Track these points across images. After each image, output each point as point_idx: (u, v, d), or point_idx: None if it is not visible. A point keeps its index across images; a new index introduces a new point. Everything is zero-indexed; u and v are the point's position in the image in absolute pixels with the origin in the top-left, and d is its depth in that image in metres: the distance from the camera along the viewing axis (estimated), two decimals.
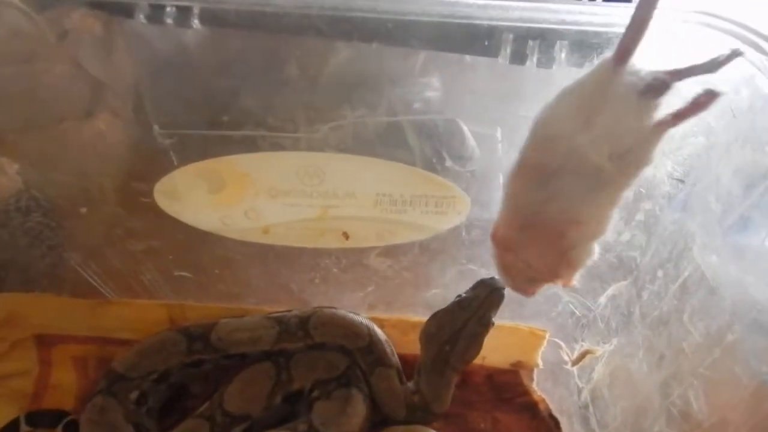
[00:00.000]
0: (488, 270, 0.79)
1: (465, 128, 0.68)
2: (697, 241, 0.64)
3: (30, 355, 0.87)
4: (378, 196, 0.74)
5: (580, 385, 0.85)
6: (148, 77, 0.67)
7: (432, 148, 0.70)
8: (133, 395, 0.79)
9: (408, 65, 0.64)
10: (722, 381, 0.59)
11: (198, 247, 0.80)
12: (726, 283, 0.60)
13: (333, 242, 0.79)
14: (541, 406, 0.88)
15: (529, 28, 0.58)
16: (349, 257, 0.82)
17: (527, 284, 0.59)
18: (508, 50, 0.59)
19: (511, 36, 0.59)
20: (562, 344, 0.87)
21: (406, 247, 0.80)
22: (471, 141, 0.69)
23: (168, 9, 0.59)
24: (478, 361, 0.80)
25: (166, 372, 0.81)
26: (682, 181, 0.66)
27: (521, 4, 0.58)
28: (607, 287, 0.78)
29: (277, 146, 0.70)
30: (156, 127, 0.68)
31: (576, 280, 0.57)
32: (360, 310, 0.87)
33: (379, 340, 0.84)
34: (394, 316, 0.89)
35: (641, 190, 0.68)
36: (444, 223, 0.76)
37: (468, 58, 0.62)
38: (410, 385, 0.82)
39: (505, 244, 0.57)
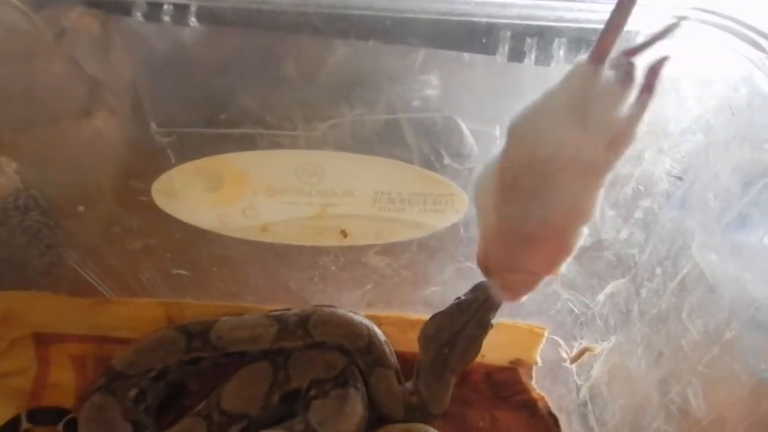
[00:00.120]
0: None
1: (463, 126, 0.68)
2: (695, 238, 0.64)
3: (28, 353, 0.87)
4: (376, 194, 0.74)
5: (579, 383, 0.85)
6: (146, 75, 0.67)
7: (430, 146, 0.70)
8: (132, 393, 0.79)
9: (406, 63, 0.64)
10: (721, 378, 0.59)
11: (196, 245, 0.80)
12: (724, 280, 0.60)
13: (331, 240, 0.79)
14: (540, 404, 0.89)
15: (527, 25, 0.58)
16: (347, 255, 0.82)
17: (531, 288, 0.58)
18: (506, 48, 0.59)
19: (509, 33, 0.59)
20: (561, 342, 0.87)
21: (404, 245, 0.80)
22: (469, 139, 0.69)
23: (165, 7, 0.59)
24: (476, 359, 0.80)
25: (164, 370, 0.81)
26: (680, 179, 0.66)
27: (519, 1, 0.58)
28: (605, 285, 0.78)
29: (275, 144, 0.70)
30: (153, 126, 0.68)
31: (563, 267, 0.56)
32: (358, 308, 0.87)
33: (379, 341, 0.84)
34: (393, 314, 0.89)
35: (639, 187, 0.68)
36: (442, 221, 0.76)
37: (466, 55, 0.61)
38: (408, 385, 0.82)
39: (498, 265, 0.56)
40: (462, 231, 0.77)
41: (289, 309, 0.86)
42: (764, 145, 0.55)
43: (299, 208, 0.75)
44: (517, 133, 0.49)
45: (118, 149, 0.73)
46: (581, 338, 0.84)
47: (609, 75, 0.45)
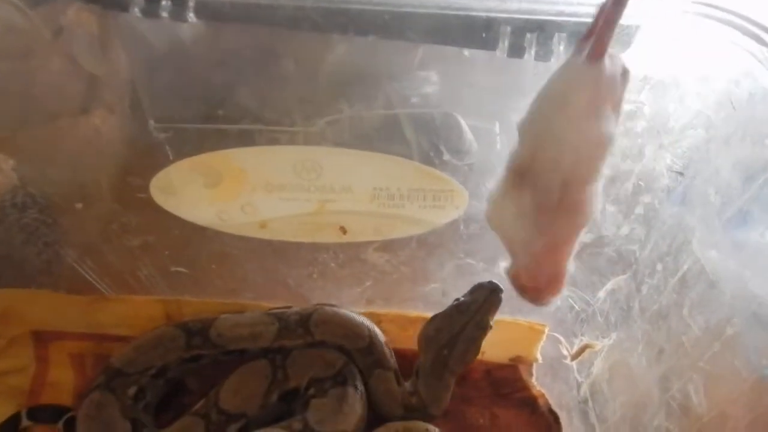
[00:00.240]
0: (486, 264, 0.79)
1: (462, 122, 0.68)
2: (696, 234, 0.63)
3: (26, 351, 0.87)
4: (375, 191, 0.74)
5: (580, 380, 0.85)
6: (144, 72, 0.67)
7: (429, 142, 0.70)
8: (131, 391, 0.79)
9: (405, 59, 0.64)
10: (722, 375, 0.59)
11: (194, 242, 0.80)
12: (725, 276, 0.59)
13: (330, 237, 0.79)
14: (541, 401, 0.88)
15: (527, 20, 0.58)
16: (346, 252, 0.82)
17: (561, 275, 0.55)
18: (506, 43, 0.59)
19: (508, 28, 0.58)
20: (562, 339, 0.87)
21: (403, 242, 0.79)
22: (469, 135, 0.68)
23: (163, 3, 0.59)
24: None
25: (164, 367, 0.81)
26: (681, 174, 0.65)
27: None
28: (606, 281, 0.78)
29: (273, 140, 0.70)
30: (151, 122, 0.68)
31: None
32: (358, 306, 0.87)
33: (380, 342, 0.83)
34: (392, 311, 0.89)
35: (640, 183, 0.68)
36: (442, 218, 0.76)
37: (466, 51, 0.61)
38: (407, 386, 0.82)
39: (539, 282, 0.54)
40: (462, 227, 0.77)
41: (289, 307, 0.86)
42: (765, 141, 0.55)
43: (298, 205, 0.75)
44: (527, 132, 0.49)
45: (116, 146, 0.73)
46: (582, 335, 0.84)
47: (610, 68, 0.45)
